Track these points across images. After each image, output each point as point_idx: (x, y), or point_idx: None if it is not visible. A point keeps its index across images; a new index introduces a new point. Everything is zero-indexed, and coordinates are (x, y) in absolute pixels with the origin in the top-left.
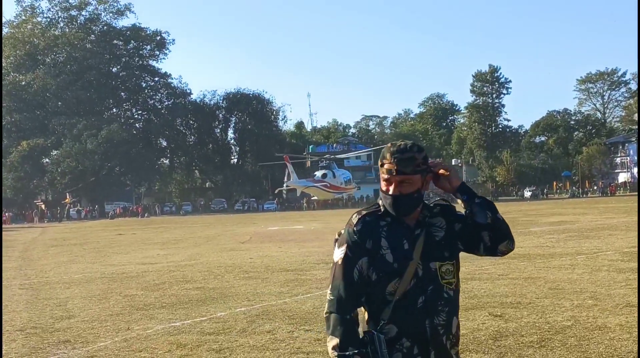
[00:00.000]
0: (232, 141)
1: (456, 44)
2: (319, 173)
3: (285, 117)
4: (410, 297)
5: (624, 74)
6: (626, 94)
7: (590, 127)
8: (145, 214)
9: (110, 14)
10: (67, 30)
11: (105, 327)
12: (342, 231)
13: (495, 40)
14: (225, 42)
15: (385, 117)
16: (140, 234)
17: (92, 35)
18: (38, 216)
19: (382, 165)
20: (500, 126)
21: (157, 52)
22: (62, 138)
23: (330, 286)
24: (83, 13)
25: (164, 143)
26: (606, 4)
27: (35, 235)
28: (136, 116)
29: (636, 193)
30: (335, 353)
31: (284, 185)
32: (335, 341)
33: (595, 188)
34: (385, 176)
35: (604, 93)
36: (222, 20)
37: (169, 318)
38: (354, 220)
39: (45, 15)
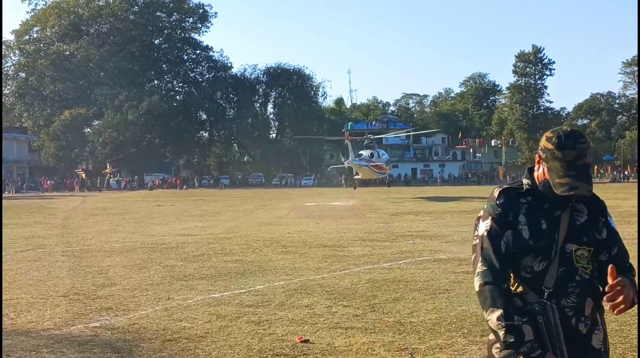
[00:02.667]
0: (271, 116)
1: (499, 23)
2: (365, 153)
3: (325, 93)
4: (541, 277)
5: None
6: None
7: (634, 111)
8: (184, 187)
9: None
10: (111, 1)
11: (146, 295)
12: (485, 207)
13: (539, 20)
14: (267, 16)
15: (425, 96)
16: (179, 206)
17: (136, 7)
18: (79, 185)
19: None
20: (542, 107)
21: (199, 25)
22: (104, 108)
23: (479, 260)
24: None
25: (204, 116)
26: None
27: (76, 204)
28: (177, 89)
29: None
30: (503, 324)
31: (345, 163)
32: (499, 312)
33: (637, 172)
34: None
35: None
36: None
37: (208, 289)
38: (496, 194)
39: None
